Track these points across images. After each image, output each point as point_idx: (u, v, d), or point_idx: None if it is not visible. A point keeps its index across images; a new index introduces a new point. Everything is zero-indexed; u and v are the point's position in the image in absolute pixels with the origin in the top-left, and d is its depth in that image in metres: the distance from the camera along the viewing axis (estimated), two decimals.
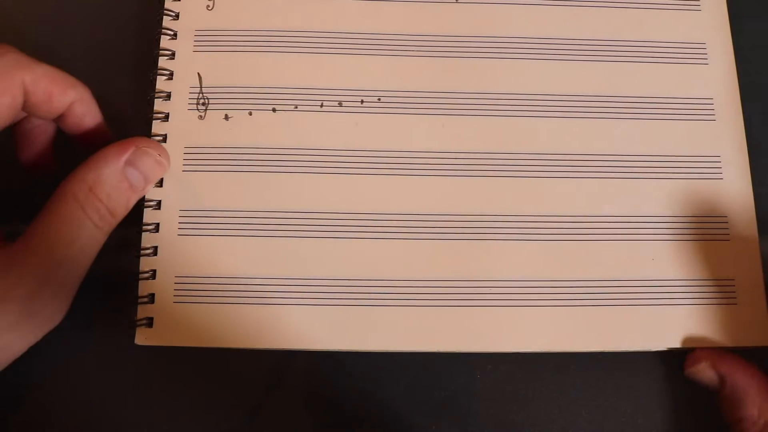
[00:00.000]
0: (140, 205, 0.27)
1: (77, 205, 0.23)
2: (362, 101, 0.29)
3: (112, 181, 0.24)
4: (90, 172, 0.24)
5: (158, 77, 0.28)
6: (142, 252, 0.27)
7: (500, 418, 0.27)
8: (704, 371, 0.26)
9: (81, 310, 0.26)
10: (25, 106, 0.24)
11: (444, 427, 0.27)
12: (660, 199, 0.28)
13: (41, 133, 0.27)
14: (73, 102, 0.25)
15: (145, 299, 0.26)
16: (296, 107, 0.28)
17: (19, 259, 0.22)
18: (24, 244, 0.23)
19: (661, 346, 0.27)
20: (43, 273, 0.23)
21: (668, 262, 0.27)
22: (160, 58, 0.29)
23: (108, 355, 0.27)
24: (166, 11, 0.29)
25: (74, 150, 0.27)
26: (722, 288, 0.27)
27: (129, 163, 0.25)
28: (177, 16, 0.29)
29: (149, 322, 0.26)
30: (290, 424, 0.27)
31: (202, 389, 0.27)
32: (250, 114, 0.28)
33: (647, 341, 0.27)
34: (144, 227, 0.27)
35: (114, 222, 0.25)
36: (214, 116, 0.28)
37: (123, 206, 0.25)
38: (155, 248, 0.27)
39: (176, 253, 0.27)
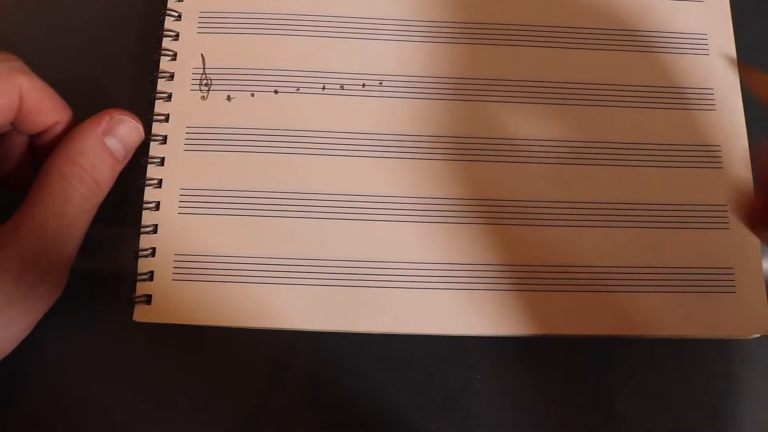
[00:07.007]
0: (141, 183, 0.27)
1: (63, 178, 0.24)
2: (364, 85, 0.29)
3: (94, 151, 0.24)
4: (72, 146, 0.24)
5: (162, 57, 0.29)
6: (142, 230, 0.27)
7: (500, 418, 0.27)
8: None
9: (79, 297, 0.26)
10: (16, 113, 0.25)
11: (444, 427, 0.27)
12: (659, 186, 0.28)
13: (21, 150, 0.27)
14: (58, 122, 0.26)
15: (144, 276, 0.26)
16: (298, 89, 0.29)
17: (9, 237, 0.23)
18: (14, 223, 0.23)
19: (660, 333, 0.27)
20: (34, 248, 0.23)
21: (666, 249, 0.28)
22: (164, 38, 0.29)
23: (106, 349, 0.27)
24: None
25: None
26: (721, 276, 0.27)
27: (106, 132, 0.25)
28: None
29: (148, 299, 0.26)
30: (291, 424, 0.26)
31: (203, 390, 0.27)
32: (252, 95, 0.28)
33: (645, 328, 0.27)
34: (144, 205, 0.27)
35: (100, 193, 0.25)
36: (217, 97, 0.28)
37: (108, 176, 0.25)
38: (155, 226, 0.27)
39: (176, 231, 0.27)
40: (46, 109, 0.25)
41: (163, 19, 0.29)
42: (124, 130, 0.26)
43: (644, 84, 0.29)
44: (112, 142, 0.25)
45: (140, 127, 0.26)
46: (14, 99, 0.24)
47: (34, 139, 0.26)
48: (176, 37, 0.29)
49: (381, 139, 0.28)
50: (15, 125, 0.25)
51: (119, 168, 0.26)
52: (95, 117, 0.25)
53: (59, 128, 0.26)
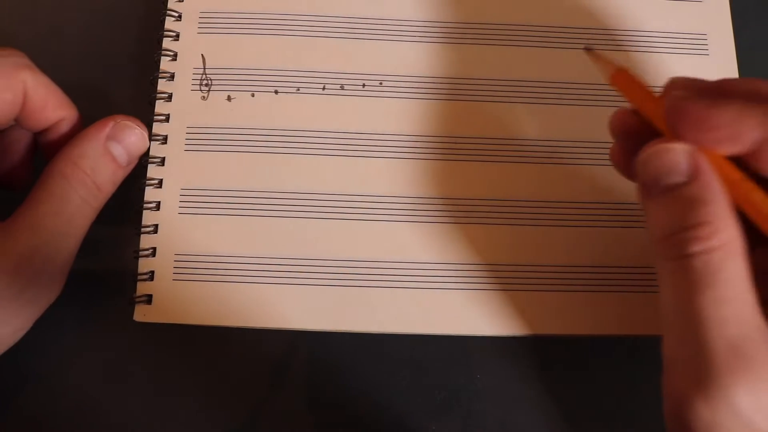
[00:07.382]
0: (141, 183, 0.27)
1: (63, 180, 0.24)
2: (364, 85, 0.29)
3: (96, 155, 0.25)
4: (74, 149, 0.24)
5: (162, 58, 0.29)
6: (143, 230, 0.27)
7: (500, 418, 0.27)
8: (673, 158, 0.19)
9: (79, 297, 0.26)
10: (20, 110, 0.25)
11: (444, 427, 0.26)
12: None
13: (22, 146, 0.27)
14: (63, 119, 0.26)
15: (145, 276, 0.26)
16: (298, 89, 0.29)
17: (4, 235, 0.23)
18: (10, 221, 0.23)
19: (659, 332, 0.27)
20: (29, 247, 0.23)
21: None
22: (165, 39, 0.29)
23: (106, 349, 0.27)
24: None
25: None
26: None
27: (110, 137, 0.25)
28: None
29: (148, 299, 0.26)
30: (291, 424, 0.26)
31: (203, 390, 0.27)
32: (253, 95, 0.28)
33: (646, 327, 0.27)
34: (145, 205, 0.27)
35: (101, 196, 0.25)
36: (217, 97, 0.28)
37: (109, 180, 0.25)
38: (156, 226, 0.27)
39: (176, 231, 0.27)
40: (51, 105, 0.25)
41: (164, 19, 0.29)
42: (129, 137, 0.26)
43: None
44: (116, 148, 0.25)
45: (146, 135, 0.26)
46: (18, 95, 0.24)
47: (39, 137, 0.26)
48: (176, 37, 0.29)
49: (381, 139, 0.28)
50: (19, 121, 0.25)
51: (122, 174, 0.26)
52: (100, 121, 0.25)
53: (64, 126, 0.26)
